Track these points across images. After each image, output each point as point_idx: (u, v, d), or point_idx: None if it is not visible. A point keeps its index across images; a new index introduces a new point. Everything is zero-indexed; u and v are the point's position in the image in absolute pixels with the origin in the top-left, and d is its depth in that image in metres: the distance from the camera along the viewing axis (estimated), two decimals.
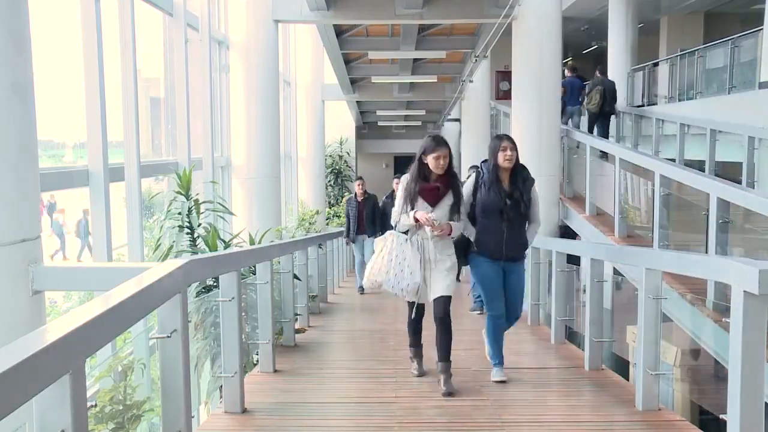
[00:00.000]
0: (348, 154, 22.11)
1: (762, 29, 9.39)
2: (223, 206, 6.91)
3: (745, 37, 10.55)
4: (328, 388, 4.58)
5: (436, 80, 16.44)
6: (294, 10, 9.72)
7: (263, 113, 9.43)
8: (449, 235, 4.27)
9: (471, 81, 14.81)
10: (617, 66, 15.67)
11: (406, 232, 4.30)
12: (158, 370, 2.74)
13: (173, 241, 5.87)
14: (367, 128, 24.31)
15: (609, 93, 11.45)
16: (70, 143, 6.22)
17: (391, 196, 8.74)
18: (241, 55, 9.39)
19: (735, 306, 2.73)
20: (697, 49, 12.56)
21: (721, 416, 2.89)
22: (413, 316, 4.62)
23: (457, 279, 4.66)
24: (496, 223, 4.34)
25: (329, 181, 20.86)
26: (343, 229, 10.82)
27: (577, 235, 9.25)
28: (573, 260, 6.01)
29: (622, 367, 5.43)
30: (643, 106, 14.13)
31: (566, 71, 11.65)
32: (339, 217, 18.67)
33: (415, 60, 14.45)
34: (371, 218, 9.35)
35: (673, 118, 11.16)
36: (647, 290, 3.78)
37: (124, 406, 3.52)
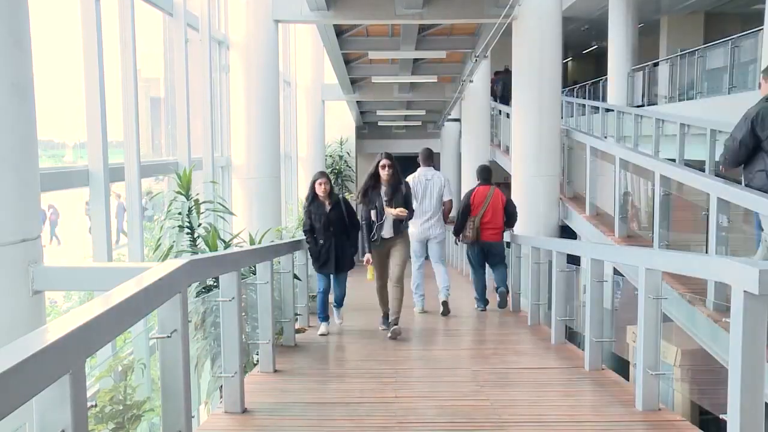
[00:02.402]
0: (348, 154, 22.11)
1: (762, 29, 9.39)
2: (223, 206, 6.91)
3: (745, 37, 10.56)
4: (328, 388, 4.58)
5: (436, 80, 16.44)
6: (294, 10, 9.72)
7: (263, 113, 9.42)
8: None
9: (471, 81, 14.81)
10: (617, 66, 15.69)
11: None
12: (158, 370, 2.74)
13: (173, 241, 5.87)
14: (367, 128, 24.30)
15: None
16: (70, 143, 6.21)
17: None
18: (241, 55, 9.39)
19: (735, 306, 2.73)
20: (697, 49, 12.56)
21: (721, 416, 2.89)
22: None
23: None
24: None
25: None
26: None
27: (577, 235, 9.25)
28: (573, 260, 6.01)
29: (622, 367, 5.43)
30: (643, 105, 14.13)
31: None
32: None
33: (415, 60, 14.45)
34: None
35: (673, 118, 11.16)
36: (647, 290, 3.78)
37: (124, 406, 3.52)
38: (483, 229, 7.36)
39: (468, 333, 6.59)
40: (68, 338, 1.71)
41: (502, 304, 7.47)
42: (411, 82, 16.90)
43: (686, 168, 6.84)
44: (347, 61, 14.56)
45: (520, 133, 9.67)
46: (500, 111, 15.82)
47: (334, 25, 11.21)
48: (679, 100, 12.66)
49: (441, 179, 7.23)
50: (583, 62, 25.00)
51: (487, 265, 7.68)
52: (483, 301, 7.59)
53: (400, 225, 6.12)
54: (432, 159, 7.39)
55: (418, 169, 7.26)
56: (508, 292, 7.56)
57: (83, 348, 1.82)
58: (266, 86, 9.49)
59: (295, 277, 6.31)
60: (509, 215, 7.52)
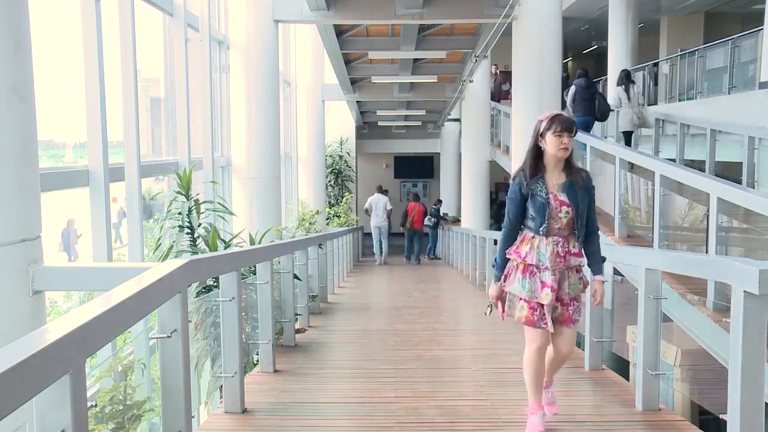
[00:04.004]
0: (348, 154, 22.10)
1: (762, 29, 9.38)
2: (224, 206, 6.90)
3: (745, 37, 10.55)
4: (328, 388, 4.58)
5: (436, 80, 16.44)
6: (294, 10, 9.72)
7: (263, 113, 9.42)
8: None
9: (471, 81, 14.81)
10: (617, 66, 15.65)
11: None
12: (158, 370, 2.74)
13: (173, 241, 5.87)
14: (367, 128, 24.29)
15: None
16: (70, 143, 6.21)
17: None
18: (241, 55, 9.39)
19: (735, 306, 2.73)
20: (697, 49, 12.55)
21: (721, 416, 2.89)
22: None
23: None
24: None
25: (329, 181, 20.87)
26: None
27: None
28: None
29: (622, 367, 5.43)
30: (643, 106, 14.07)
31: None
32: (339, 217, 18.65)
33: (415, 60, 14.45)
34: None
35: (674, 118, 11.16)
36: (647, 290, 3.78)
37: (124, 406, 3.52)
38: (413, 222, 16.56)
39: (468, 333, 6.60)
40: (68, 338, 1.71)
41: (417, 258, 16.82)
42: (411, 82, 16.90)
43: (686, 168, 6.84)
44: (347, 61, 14.56)
45: (520, 133, 9.66)
46: (500, 111, 15.83)
47: (334, 25, 11.21)
48: (679, 100, 12.65)
49: (385, 199, 16.05)
50: (583, 62, 24.98)
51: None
52: (417, 257, 16.86)
53: None
54: (381, 189, 16.74)
55: (375, 194, 16.21)
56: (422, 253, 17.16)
57: (83, 348, 1.82)
58: (266, 86, 9.49)
59: (295, 277, 6.31)
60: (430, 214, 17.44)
